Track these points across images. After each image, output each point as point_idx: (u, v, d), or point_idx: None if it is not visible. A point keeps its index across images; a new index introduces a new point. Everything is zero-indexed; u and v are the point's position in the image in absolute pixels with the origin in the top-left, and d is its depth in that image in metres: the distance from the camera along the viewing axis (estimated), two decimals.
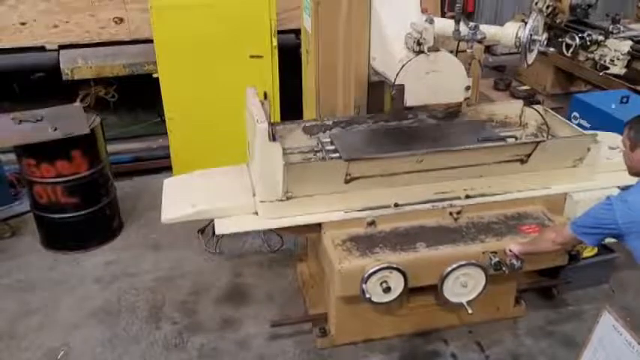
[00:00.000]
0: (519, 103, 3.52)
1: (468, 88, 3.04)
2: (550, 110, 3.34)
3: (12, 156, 4.13)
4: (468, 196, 2.97)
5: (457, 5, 2.90)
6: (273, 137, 2.73)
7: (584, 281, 3.60)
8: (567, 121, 3.25)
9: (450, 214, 2.93)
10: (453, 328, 3.30)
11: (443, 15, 4.18)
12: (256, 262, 3.94)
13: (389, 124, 3.30)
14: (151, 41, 4.41)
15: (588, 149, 3.00)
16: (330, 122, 3.26)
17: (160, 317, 3.48)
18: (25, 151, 3.79)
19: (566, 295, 3.58)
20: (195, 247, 4.07)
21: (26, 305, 3.57)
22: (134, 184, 4.94)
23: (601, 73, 5.72)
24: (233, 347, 3.25)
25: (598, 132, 3.12)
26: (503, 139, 3.19)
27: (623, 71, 5.57)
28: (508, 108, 3.50)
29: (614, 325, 2.21)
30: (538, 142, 2.89)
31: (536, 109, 3.34)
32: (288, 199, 2.77)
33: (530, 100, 6.30)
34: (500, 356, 3.18)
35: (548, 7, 6.29)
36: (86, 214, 4.01)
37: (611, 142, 3.17)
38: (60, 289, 3.72)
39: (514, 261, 2.74)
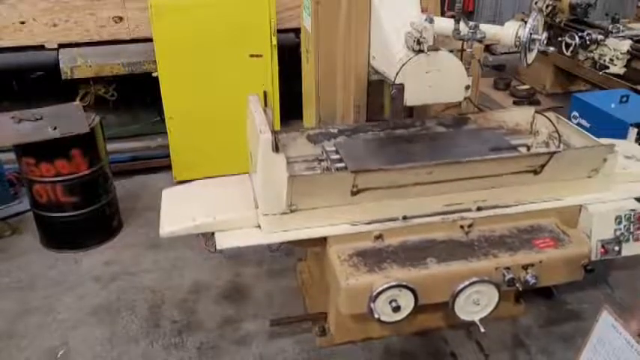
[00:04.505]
0: (530, 109, 3.43)
1: (467, 87, 3.03)
2: (562, 118, 3.27)
3: (11, 155, 4.13)
4: (479, 208, 2.87)
5: (457, 4, 2.90)
6: (276, 148, 2.64)
7: (584, 280, 3.59)
8: (580, 129, 3.16)
9: (461, 227, 2.84)
10: (452, 327, 3.30)
11: (443, 14, 4.17)
12: (256, 261, 3.94)
13: (395, 132, 3.24)
14: (150, 40, 4.42)
15: (605, 160, 2.89)
16: (335, 130, 3.18)
17: (160, 316, 3.48)
18: (24, 150, 3.79)
19: (566, 295, 3.58)
20: (195, 246, 4.06)
21: (26, 304, 3.57)
22: (133, 183, 4.93)
23: (601, 73, 5.74)
24: (232, 346, 3.25)
25: (612, 139, 3.02)
26: (514, 148, 3.13)
27: (622, 70, 5.58)
28: (519, 115, 3.41)
29: (613, 324, 2.21)
30: (553, 153, 2.80)
31: (547, 117, 3.25)
32: (292, 211, 2.68)
33: (529, 99, 6.36)
34: (499, 356, 3.18)
35: (547, 7, 6.31)
36: (86, 214, 4.01)
37: (626, 150, 3.08)
38: (59, 288, 3.72)
39: (529, 277, 2.67)
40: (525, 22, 2.84)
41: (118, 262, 3.97)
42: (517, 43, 2.86)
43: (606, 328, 2.24)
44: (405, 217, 2.81)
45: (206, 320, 3.44)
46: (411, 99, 2.95)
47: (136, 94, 5.36)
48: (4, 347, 3.25)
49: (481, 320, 2.76)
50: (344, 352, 3.18)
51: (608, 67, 5.66)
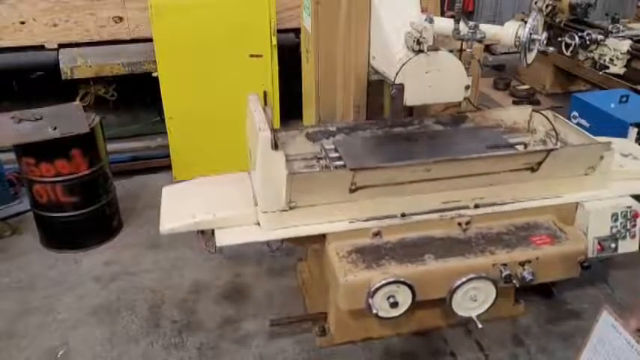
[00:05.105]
0: (528, 108, 3.44)
1: (467, 87, 3.04)
2: (559, 116, 3.28)
3: (11, 155, 4.13)
4: (476, 206, 2.89)
5: (457, 4, 2.90)
6: (275, 145, 2.66)
7: (583, 280, 3.60)
8: (578, 127, 3.19)
9: (459, 224, 2.87)
10: (451, 326, 3.30)
11: (442, 14, 4.18)
12: (256, 261, 3.94)
13: (394, 130, 3.25)
14: (150, 40, 4.42)
15: (601, 157, 2.91)
16: (334, 128, 3.20)
17: (160, 316, 3.48)
18: (24, 150, 3.79)
19: (566, 294, 3.58)
20: (195, 246, 4.06)
21: (26, 304, 3.57)
22: (133, 183, 4.93)
23: (600, 73, 5.74)
24: (232, 346, 3.25)
25: (610, 138, 3.05)
26: (512, 146, 3.14)
27: (622, 70, 5.59)
28: (516, 113, 3.43)
29: (613, 324, 2.21)
30: (550, 151, 2.82)
31: (544, 115, 3.26)
32: (291, 209, 2.70)
33: (529, 99, 6.37)
34: (499, 355, 3.18)
35: (547, 7, 6.31)
36: (86, 214, 4.01)
37: (623, 148, 3.09)
38: (59, 288, 3.72)
39: (525, 274, 2.70)
40: (525, 22, 2.84)
41: (118, 262, 3.97)
42: (517, 43, 2.87)
43: (606, 328, 2.24)
44: (403, 215, 2.83)
45: (206, 320, 3.44)
46: (410, 99, 2.96)
47: (136, 94, 5.36)
48: (4, 347, 3.25)
49: (479, 317, 2.79)
50: (344, 352, 3.19)
51: (608, 67, 5.67)
